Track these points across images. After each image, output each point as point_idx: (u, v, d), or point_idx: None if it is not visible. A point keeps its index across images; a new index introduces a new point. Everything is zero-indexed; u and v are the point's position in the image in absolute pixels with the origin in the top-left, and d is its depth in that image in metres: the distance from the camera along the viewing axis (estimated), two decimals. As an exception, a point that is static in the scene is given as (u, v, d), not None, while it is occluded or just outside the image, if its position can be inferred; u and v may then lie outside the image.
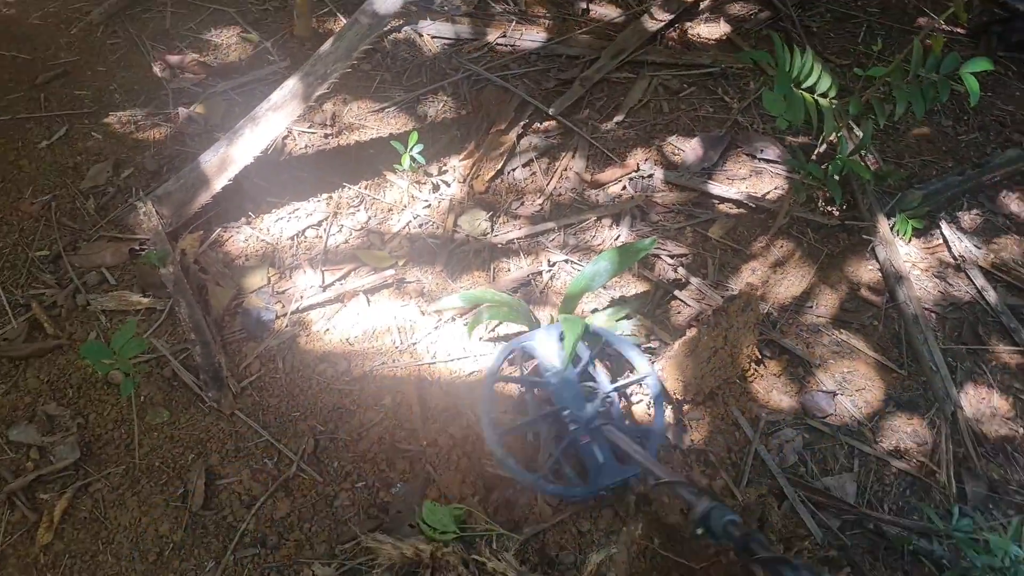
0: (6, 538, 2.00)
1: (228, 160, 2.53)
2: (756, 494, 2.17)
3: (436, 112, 3.09)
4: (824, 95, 2.16)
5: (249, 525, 2.04)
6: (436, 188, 2.83)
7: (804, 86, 2.14)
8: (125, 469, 2.13)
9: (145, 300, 2.45)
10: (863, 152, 2.58)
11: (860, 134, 2.99)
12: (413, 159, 2.68)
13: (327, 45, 2.53)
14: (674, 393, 2.26)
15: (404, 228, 2.71)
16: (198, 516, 2.05)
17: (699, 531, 1.65)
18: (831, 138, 2.40)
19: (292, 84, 2.52)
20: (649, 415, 2.27)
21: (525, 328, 2.33)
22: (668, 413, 2.25)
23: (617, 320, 2.28)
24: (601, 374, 2.27)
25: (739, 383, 2.34)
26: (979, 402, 2.34)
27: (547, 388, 2.20)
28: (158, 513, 2.05)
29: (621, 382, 2.24)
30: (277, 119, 2.52)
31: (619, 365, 2.36)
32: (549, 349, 2.23)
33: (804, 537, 2.10)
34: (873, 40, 3.43)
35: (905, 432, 2.29)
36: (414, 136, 2.71)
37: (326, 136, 2.96)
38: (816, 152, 2.65)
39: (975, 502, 2.16)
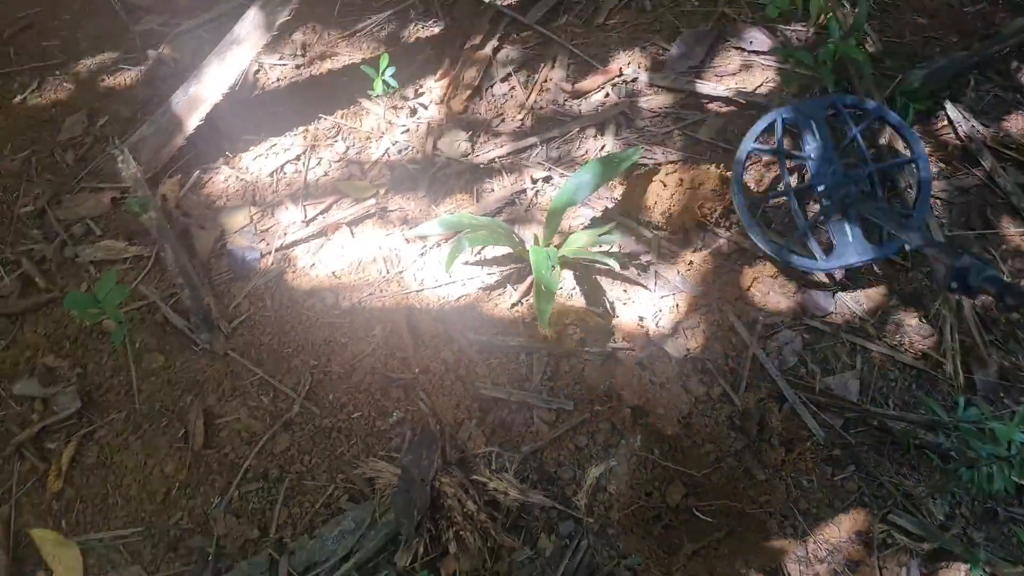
0: (19, 488, 2.06)
1: (198, 99, 2.46)
2: (755, 399, 2.14)
3: (409, 32, 2.96)
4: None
5: (251, 461, 2.08)
6: (414, 112, 2.74)
7: (786, -36, 1.99)
8: (126, 415, 2.17)
9: (132, 248, 2.44)
10: (858, 34, 2.41)
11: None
12: (386, 83, 2.58)
13: (283, -33, 2.41)
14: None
15: (384, 156, 2.64)
16: (200, 455, 2.09)
17: (952, 285, 1.63)
18: (820, 20, 2.25)
19: (253, 15, 2.41)
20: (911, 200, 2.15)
21: (509, 250, 2.28)
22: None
23: (600, 236, 2.21)
24: (868, 149, 2.18)
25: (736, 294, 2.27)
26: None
27: (803, 162, 2.12)
28: (162, 455, 2.09)
29: (885, 164, 2.15)
30: (242, 52, 2.43)
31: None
32: (812, 123, 2.13)
33: (806, 438, 2.08)
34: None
35: (910, 325, 2.22)
36: (385, 59, 2.60)
37: (298, 67, 2.86)
38: (806, 37, 2.49)
39: (985, 391, 2.11)
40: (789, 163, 2.19)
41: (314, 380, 2.20)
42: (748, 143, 2.20)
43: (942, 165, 2.49)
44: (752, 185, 2.32)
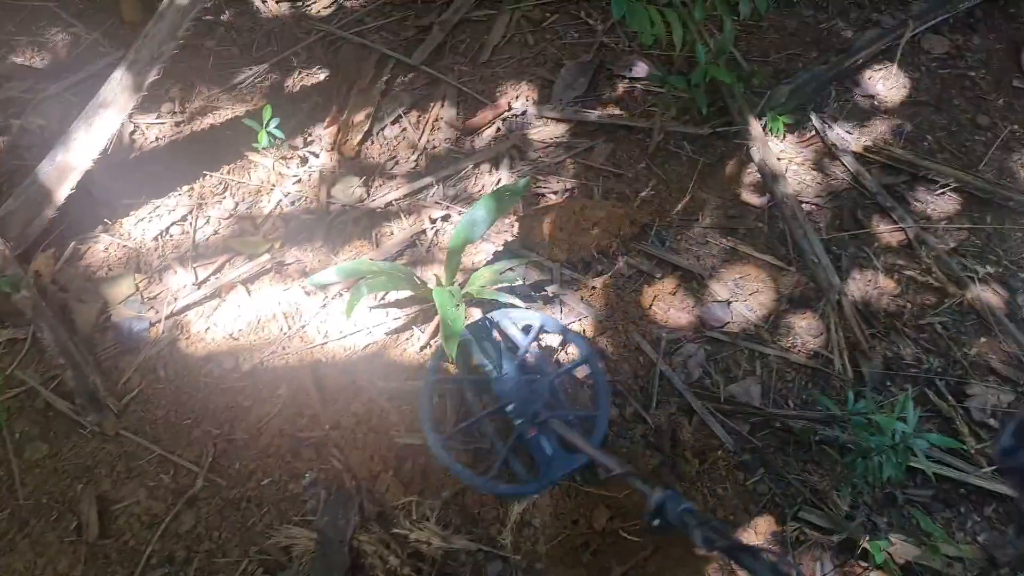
0: None
1: (67, 168, 2.34)
2: (666, 414, 2.19)
3: (293, 81, 2.92)
4: (669, 3, 2.11)
5: (154, 546, 1.95)
6: (304, 161, 2.69)
7: (650, -5, 2.08)
8: (11, 512, 2.00)
9: (4, 331, 2.27)
10: (723, 55, 2.54)
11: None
12: (271, 135, 2.52)
13: (149, 27, 2.33)
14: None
15: (276, 208, 2.58)
16: (97, 547, 1.95)
17: (655, 523, 1.58)
18: (685, 48, 2.36)
19: (119, 76, 2.32)
20: (592, 400, 2.19)
21: (412, 293, 2.26)
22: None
23: (502, 273, 2.22)
24: (543, 358, 2.20)
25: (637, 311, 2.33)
26: (866, 285, 2.39)
27: (487, 385, 2.12)
28: (53, 551, 1.94)
29: (562, 369, 2.16)
30: (110, 116, 2.33)
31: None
32: (484, 344, 2.15)
33: (717, 447, 2.14)
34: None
35: (800, 327, 2.33)
36: (268, 110, 2.55)
37: (177, 124, 2.77)
38: (675, 62, 2.60)
39: (873, 383, 2.22)
40: (474, 386, 2.16)
41: (217, 450, 2.10)
42: (429, 377, 2.13)
43: (813, 172, 2.65)
44: (446, 413, 2.18)
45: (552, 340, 2.30)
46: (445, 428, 2.10)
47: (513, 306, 2.21)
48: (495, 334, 2.22)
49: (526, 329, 2.23)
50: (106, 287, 2.35)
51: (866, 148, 2.66)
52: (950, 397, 2.19)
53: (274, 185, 2.62)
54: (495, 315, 2.24)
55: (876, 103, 2.85)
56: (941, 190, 2.60)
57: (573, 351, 2.26)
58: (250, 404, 2.18)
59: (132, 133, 2.72)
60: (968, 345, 2.28)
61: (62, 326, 2.22)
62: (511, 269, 2.25)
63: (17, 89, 2.80)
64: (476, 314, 2.31)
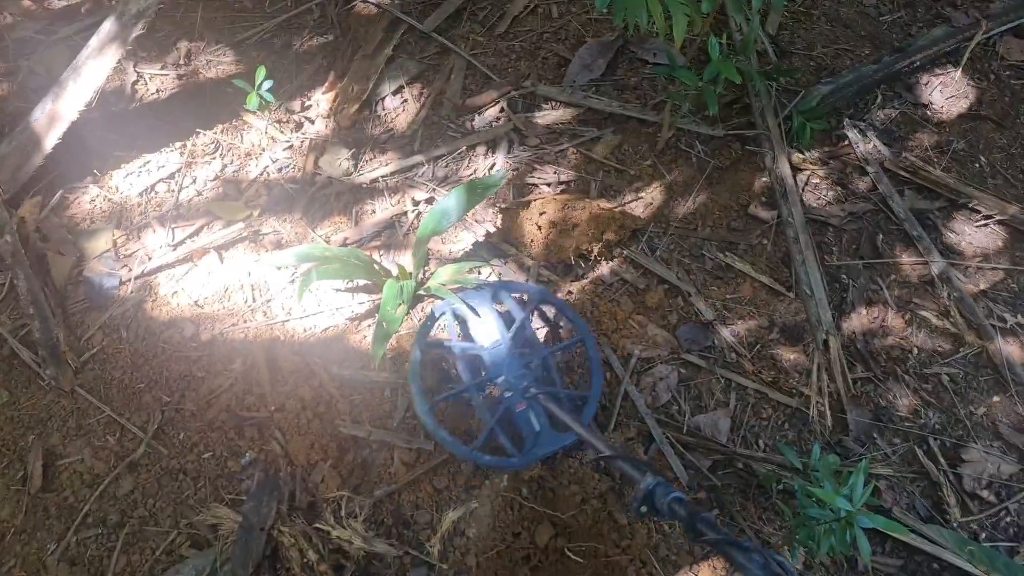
0: None
1: (56, 116, 2.34)
2: (623, 438, 2.05)
3: (302, 40, 2.82)
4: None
5: (91, 505, 1.99)
6: (299, 126, 2.62)
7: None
8: (-33, 454, 2.07)
9: (-12, 274, 2.33)
10: (748, 49, 2.28)
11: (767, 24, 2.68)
12: (261, 98, 2.45)
13: (139, -23, 2.27)
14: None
15: (262, 174, 2.52)
16: (38, 499, 2.00)
17: (642, 509, 1.51)
18: (691, 42, 2.12)
19: (108, 27, 2.28)
20: (586, 379, 2.10)
21: (370, 281, 2.17)
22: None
23: (468, 272, 2.10)
24: (537, 334, 2.12)
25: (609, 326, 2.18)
26: (871, 322, 2.16)
27: (479, 354, 2.05)
28: (-1, 498, 2.00)
29: (557, 346, 2.09)
30: (99, 67, 2.31)
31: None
32: (480, 313, 2.07)
33: (671, 480, 1.99)
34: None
35: (787, 360, 2.13)
36: (261, 71, 2.46)
37: (180, 77, 2.73)
38: (687, 57, 2.36)
39: (858, 432, 2.02)
40: (465, 356, 2.07)
41: (164, 418, 2.10)
42: (420, 344, 2.05)
43: (837, 188, 2.39)
44: (433, 380, 2.13)
45: (550, 316, 2.21)
46: (432, 396, 2.03)
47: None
48: (494, 305, 2.12)
49: (521, 301, 2.14)
50: (84, 240, 2.37)
51: (901, 165, 2.36)
52: (942, 460, 1.97)
53: (264, 149, 2.56)
54: (494, 285, 2.15)
55: (927, 113, 2.53)
56: (984, 222, 2.30)
57: (570, 328, 2.16)
58: (203, 375, 2.17)
59: (135, 83, 2.71)
60: (976, 403, 2.04)
61: (38, 276, 2.26)
62: (477, 270, 2.13)
63: (32, 29, 2.81)
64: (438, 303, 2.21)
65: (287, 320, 2.25)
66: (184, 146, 2.58)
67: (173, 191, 2.49)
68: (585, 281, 2.26)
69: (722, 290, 2.23)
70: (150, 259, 2.34)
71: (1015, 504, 1.90)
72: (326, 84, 2.68)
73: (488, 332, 2.05)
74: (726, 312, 2.20)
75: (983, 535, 1.88)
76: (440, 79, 2.70)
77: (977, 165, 2.42)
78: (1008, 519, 1.89)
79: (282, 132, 2.60)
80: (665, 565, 1.90)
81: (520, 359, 2.02)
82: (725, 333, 2.17)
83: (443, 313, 2.10)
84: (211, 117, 2.63)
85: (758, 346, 2.15)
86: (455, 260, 2.31)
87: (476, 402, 2.01)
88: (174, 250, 2.36)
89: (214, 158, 2.56)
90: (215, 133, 2.60)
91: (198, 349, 2.20)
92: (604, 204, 2.30)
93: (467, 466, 2.03)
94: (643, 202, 2.39)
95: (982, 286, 2.20)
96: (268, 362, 2.16)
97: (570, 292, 2.25)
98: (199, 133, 2.60)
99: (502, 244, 2.34)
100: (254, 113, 2.61)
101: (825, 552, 1.53)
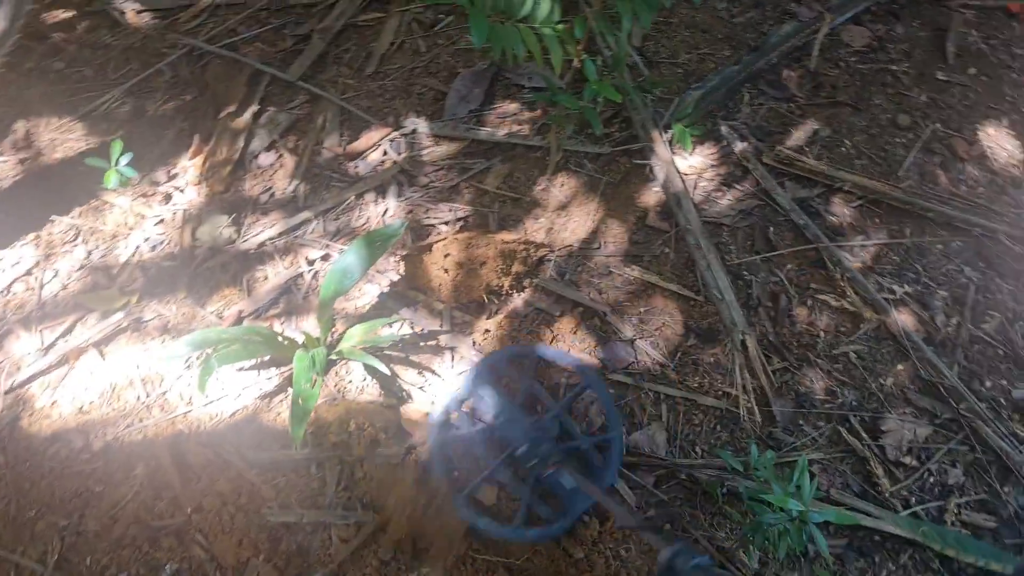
0: None
1: None
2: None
3: (156, 104, 2.63)
4: (547, 23, 1.88)
5: (-11, 664, 1.74)
6: (168, 198, 2.43)
7: (520, 15, 1.85)
8: None
9: None
10: (619, 66, 2.32)
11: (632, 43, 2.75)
12: (120, 174, 2.25)
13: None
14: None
15: (134, 255, 2.32)
16: (-79, 672, 1.73)
17: None
18: (562, 67, 2.13)
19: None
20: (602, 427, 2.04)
21: (278, 355, 2.03)
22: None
23: (380, 331, 2.01)
24: (543, 392, 2.05)
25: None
26: (778, 314, 2.24)
27: (494, 432, 1.97)
28: None
29: (566, 398, 2.03)
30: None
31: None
32: (484, 391, 2.00)
33: (619, 503, 1.98)
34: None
35: (708, 363, 2.17)
36: (117, 145, 2.27)
37: (22, 162, 2.47)
38: (563, 80, 2.38)
39: (784, 423, 2.08)
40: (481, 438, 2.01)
41: (65, 545, 1.87)
42: (438, 434, 1.97)
43: (724, 189, 2.47)
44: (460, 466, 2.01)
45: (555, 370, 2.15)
46: (460, 485, 1.93)
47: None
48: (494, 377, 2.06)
49: (517, 360, 2.09)
50: (-66, 361, 2.09)
51: (778, 159, 2.48)
52: (864, 435, 2.06)
53: (132, 228, 2.36)
54: (491, 358, 2.08)
55: (792, 106, 2.67)
56: (857, 202, 2.44)
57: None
58: (102, 489, 1.95)
59: (-31, 174, 2.43)
60: (884, 375, 2.15)
61: None
62: (390, 325, 2.04)
63: None
64: (358, 367, 2.10)
65: (189, 410, 2.07)
66: (38, 237, 2.33)
67: (33, 288, 2.24)
68: (500, 316, 2.21)
69: (636, 305, 2.25)
70: (19, 369, 2.09)
71: (935, 464, 2.02)
72: (191, 149, 2.50)
73: (495, 406, 1.99)
74: (643, 326, 2.21)
75: (912, 499, 1.98)
76: (314, 128, 2.58)
77: (843, 149, 2.57)
78: (932, 480, 2.00)
79: (150, 207, 2.40)
80: (628, 592, 1.88)
81: (534, 424, 1.97)
82: (646, 346, 2.18)
83: (449, 409, 2.01)
84: (65, 201, 2.39)
85: (679, 354, 2.17)
86: (363, 316, 2.20)
87: (506, 480, 1.95)
88: (45, 354, 2.12)
89: (75, 245, 2.32)
90: (72, 218, 2.37)
91: (91, 460, 1.98)
92: (507, 236, 2.27)
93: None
94: (543, 228, 2.38)
95: (868, 262, 2.33)
96: (175, 460, 1.97)
97: (487, 330, 2.19)
98: (54, 220, 2.35)
99: (409, 292, 2.26)
100: (115, 191, 2.39)
101: (783, 554, 1.55)
